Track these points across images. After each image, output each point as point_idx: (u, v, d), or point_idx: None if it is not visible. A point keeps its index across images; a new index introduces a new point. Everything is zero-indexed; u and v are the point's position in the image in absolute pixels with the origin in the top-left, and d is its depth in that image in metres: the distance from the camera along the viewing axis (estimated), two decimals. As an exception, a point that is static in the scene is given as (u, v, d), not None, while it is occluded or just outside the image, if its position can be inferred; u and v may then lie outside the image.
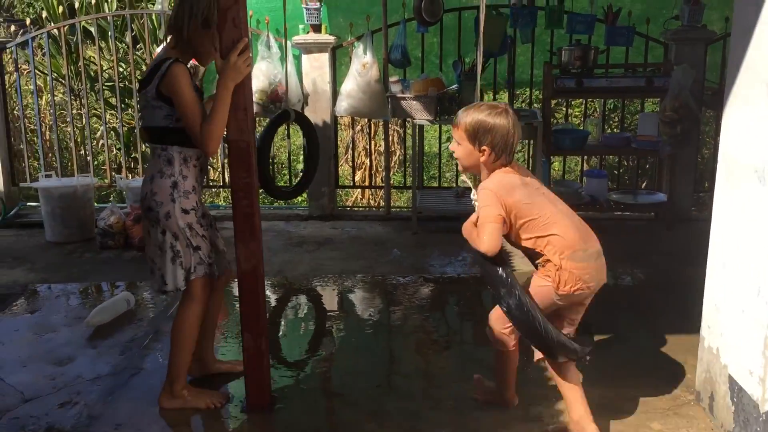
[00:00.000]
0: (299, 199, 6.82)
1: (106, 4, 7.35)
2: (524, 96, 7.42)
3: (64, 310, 3.98)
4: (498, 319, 2.68)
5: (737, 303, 2.54)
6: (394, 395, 3.06)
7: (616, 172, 8.21)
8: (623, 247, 5.03)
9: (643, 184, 7.28)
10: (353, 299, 4.30)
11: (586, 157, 6.90)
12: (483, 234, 2.43)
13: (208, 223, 2.89)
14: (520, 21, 5.61)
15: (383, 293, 4.36)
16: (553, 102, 6.79)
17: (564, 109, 7.90)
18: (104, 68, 7.07)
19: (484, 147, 2.50)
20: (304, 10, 5.66)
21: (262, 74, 5.64)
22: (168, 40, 2.78)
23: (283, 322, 3.98)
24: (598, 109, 8.39)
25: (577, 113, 9.06)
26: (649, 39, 5.62)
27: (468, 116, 2.52)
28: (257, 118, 6.42)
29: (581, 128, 6.09)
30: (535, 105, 7.12)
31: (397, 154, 8.96)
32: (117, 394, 3.02)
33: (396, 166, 8.91)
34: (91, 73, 7.17)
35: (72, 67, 6.91)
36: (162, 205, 2.71)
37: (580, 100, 7.82)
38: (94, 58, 7.56)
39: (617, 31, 5.47)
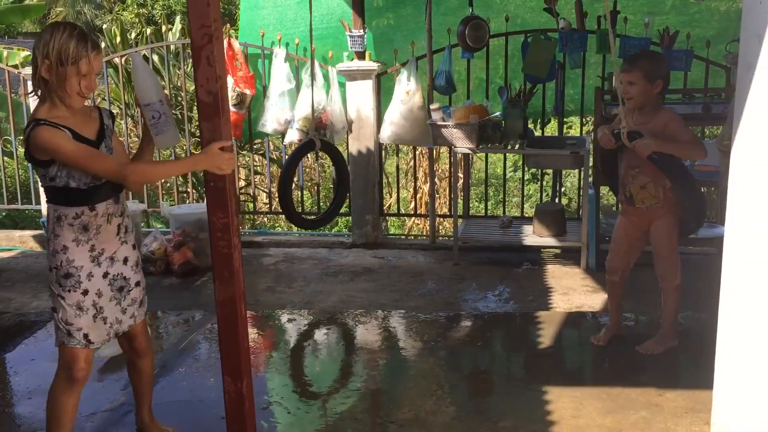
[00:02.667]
0: (339, 226, 6.78)
1: (170, 33, 7.58)
2: (574, 123, 7.12)
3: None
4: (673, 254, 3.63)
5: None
6: (387, 446, 2.91)
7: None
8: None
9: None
10: (369, 336, 4.17)
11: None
12: (699, 145, 3.45)
13: (74, 285, 2.60)
14: (570, 45, 5.37)
15: (403, 330, 4.21)
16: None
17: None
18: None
19: (658, 80, 3.39)
20: (348, 37, 5.63)
21: (307, 102, 5.64)
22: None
23: (287, 360, 3.90)
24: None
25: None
26: (709, 63, 5.26)
27: (643, 59, 3.45)
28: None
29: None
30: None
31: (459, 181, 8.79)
32: None
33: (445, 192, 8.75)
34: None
35: (132, 95, 7.15)
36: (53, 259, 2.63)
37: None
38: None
39: (674, 54, 5.14)
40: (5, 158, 6.56)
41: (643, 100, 3.45)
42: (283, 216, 9.07)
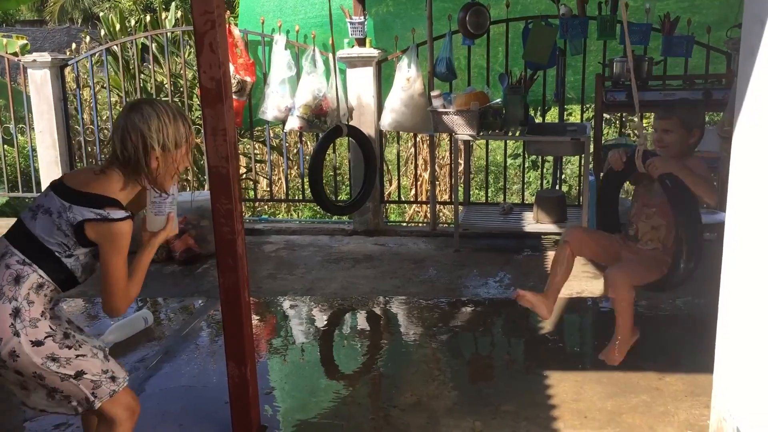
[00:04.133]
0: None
1: (166, 21, 7.56)
2: (574, 110, 7.11)
3: (87, 326, 4.06)
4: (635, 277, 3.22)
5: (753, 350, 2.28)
6: (389, 430, 2.93)
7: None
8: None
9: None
10: (371, 322, 4.20)
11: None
12: (714, 190, 3.07)
13: (77, 342, 2.28)
14: (571, 32, 5.35)
15: (405, 316, 4.23)
16: (608, 116, 6.47)
17: (617, 123, 7.53)
18: (164, 83, 7.27)
19: (696, 130, 3.24)
20: (349, 24, 5.62)
21: (307, 89, 5.64)
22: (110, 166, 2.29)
23: (289, 346, 3.92)
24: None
25: (645, 125, 8.62)
26: (710, 49, 5.25)
27: (682, 107, 3.28)
28: (300, 132, 6.43)
29: (637, 143, 5.75)
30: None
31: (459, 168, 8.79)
32: (111, 416, 3.03)
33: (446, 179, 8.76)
34: (149, 88, 7.39)
35: (131, 83, 7.15)
36: (3, 345, 2.12)
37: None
38: (157, 73, 7.79)
39: (675, 40, 5.13)
40: (5, 146, 6.55)
41: (679, 149, 3.23)
42: (284, 204, 9.14)
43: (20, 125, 6.38)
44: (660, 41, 5.18)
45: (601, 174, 3.48)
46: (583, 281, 4.63)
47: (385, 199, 6.73)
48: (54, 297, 2.29)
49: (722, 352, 2.56)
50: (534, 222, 5.39)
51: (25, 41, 7.05)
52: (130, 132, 2.23)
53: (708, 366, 2.76)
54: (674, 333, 3.79)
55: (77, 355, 2.24)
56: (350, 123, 5.75)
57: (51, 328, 2.22)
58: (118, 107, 7.35)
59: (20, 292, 2.17)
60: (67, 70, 6.16)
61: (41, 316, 2.20)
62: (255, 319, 4.16)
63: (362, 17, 5.61)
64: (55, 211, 2.21)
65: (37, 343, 2.16)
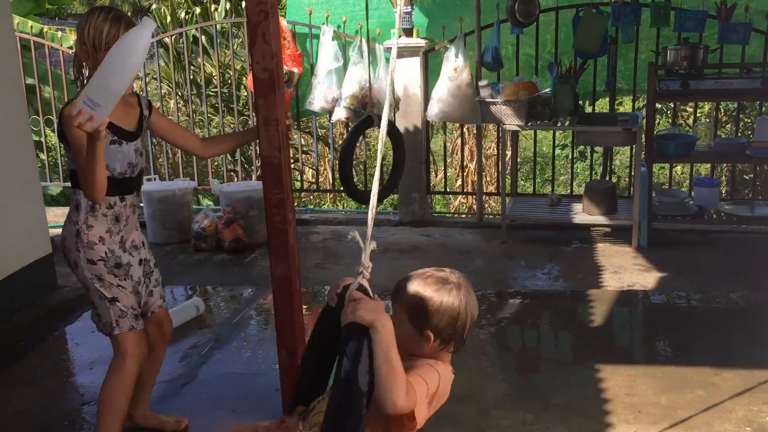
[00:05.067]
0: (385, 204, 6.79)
1: (216, 13, 7.64)
2: (624, 100, 6.97)
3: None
4: None
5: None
6: (442, 422, 2.92)
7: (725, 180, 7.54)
8: (731, 264, 4.60)
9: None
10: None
11: (698, 166, 6.38)
12: (411, 394, 1.67)
13: (126, 273, 2.58)
14: (622, 19, 5.25)
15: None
16: (660, 105, 6.32)
17: (669, 113, 7.36)
18: (213, 75, 7.36)
19: (428, 332, 1.82)
20: (396, 14, 5.59)
21: (354, 80, 5.64)
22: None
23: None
24: (711, 113, 7.76)
25: (699, 116, 8.41)
26: (769, 36, 5.09)
27: (410, 288, 1.87)
28: (347, 123, 6.44)
29: (690, 133, 5.63)
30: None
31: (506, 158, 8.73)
32: (166, 402, 3.10)
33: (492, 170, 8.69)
34: (199, 80, 7.50)
35: (181, 74, 7.25)
36: (70, 252, 2.54)
37: (692, 103, 7.23)
38: (206, 65, 7.89)
39: (732, 27, 4.99)
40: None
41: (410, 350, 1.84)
42: (330, 195, 9.18)
43: (74, 117, 6.52)
44: (716, 28, 5.05)
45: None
46: (634, 274, 4.55)
47: (431, 190, 6.69)
48: (119, 214, 2.54)
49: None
50: (583, 213, 5.31)
51: (79, 35, 7.20)
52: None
53: (766, 361, 2.70)
54: (729, 327, 3.70)
55: (118, 285, 2.55)
56: (396, 114, 5.74)
57: (106, 254, 2.53)
58: (167, 98, 7.47)
59: (80, 218, 2.51)
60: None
61: (99, 240, 2.52)
62: (303, 309, 4.19)
63: (410, 7, 5.59)
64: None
65: (91, 262, 2.52)
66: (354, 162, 8.95)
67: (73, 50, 2.68)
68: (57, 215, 6.33)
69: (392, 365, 1.63)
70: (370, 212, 1.84)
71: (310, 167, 9.06)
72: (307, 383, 2.02)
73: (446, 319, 1.81)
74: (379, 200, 5.48)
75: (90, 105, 2.07)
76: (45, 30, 7.13)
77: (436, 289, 1.84)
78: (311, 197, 9.04)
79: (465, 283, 1.90)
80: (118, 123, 2.48)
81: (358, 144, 6.83)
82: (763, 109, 5.66)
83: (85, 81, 2.46)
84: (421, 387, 1.74)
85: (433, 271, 1.92)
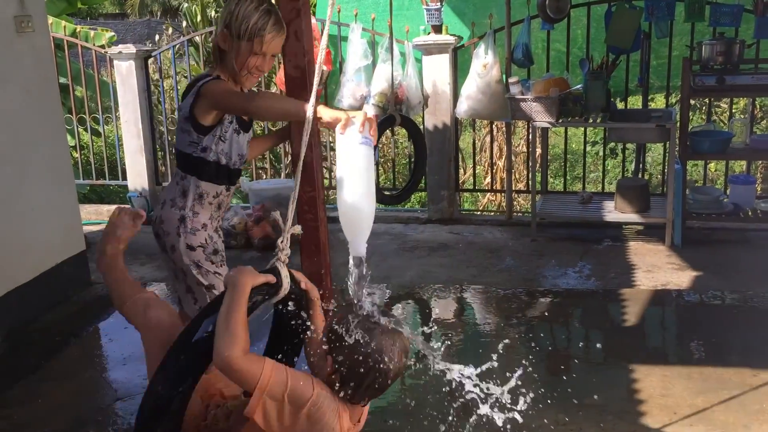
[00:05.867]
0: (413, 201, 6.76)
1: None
2: (657, 97, 6.87)
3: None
4: None
5: None
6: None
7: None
8: (767, 263, 4.52)
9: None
10: (448, 311, 4.17)
11: (733, 163, 6.27)
12: (251, 359, 1.73)
13: (221, 260, 2.62)
14: (656, 13, 5.18)
15: (482, 305, 4.19)
16: (694, 102, 6.22)
17: (704, 109, 7.24)
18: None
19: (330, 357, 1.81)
20: (425, 10, 5.57)
21: (383, 77, 5.63)
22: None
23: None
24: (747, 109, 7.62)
25: (735, 112, 8.26)
26: (807, 29, 4.97)
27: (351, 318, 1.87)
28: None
29: (725, 129, 5.53)
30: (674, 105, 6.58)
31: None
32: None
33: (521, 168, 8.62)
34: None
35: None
36: (168, 236, 2.52)
37: (727, 99, 7.11)
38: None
39: (768, 21, 4.89)
40: (92, 136, 6.80)
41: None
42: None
43: (106, 115, 6.60)
44: (752, 23, 4.95)
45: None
46: (668, 273, 4.48)
47: (460, 187, 6.66)
48: (222, 203, 2.57)
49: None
50: (615, 211, 5.25)
51: (112, 33, 7.28)
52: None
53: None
54: (765, 327, 3.62)
55: (215, 272, 2.54)
56: (426, 111, 5.72)
57: (206, 241, 2.53)
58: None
59: (187, 204, 2.51)
60: (150, 61, 6.35)
61: (202, 227, 2.53)
62: (333, 306, 4.20)
63: (438, 3, 5.55)
64: (178, 120, 2.48)
65: (190, 248, 2.51)
66: (381, 160, 8.97)
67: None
68: (90, 213, 6.42)
69: (228, 319, 1.74)
70: (294, 192, 2.02)
71: (338, 165, 9.07)
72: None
73: (354, 360, 1.77)
74: (405, 198, 5.49)
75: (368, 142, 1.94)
76: (78, 30, 7.23)
77: (367, 329, 1.82)
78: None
79: (402, 345, 1.86)
80: None
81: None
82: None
83: (220, 63, 2.45)
84: (270, 365, 1.73)
85: (386, 323, 1.88)
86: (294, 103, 2.27)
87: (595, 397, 3.01)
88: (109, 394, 3.22)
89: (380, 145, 7.16)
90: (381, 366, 1.78)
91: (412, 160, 5.74)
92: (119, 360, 3.55)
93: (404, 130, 5.82)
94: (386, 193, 5.75)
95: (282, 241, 1.95)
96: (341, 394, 1.81)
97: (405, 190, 5.01)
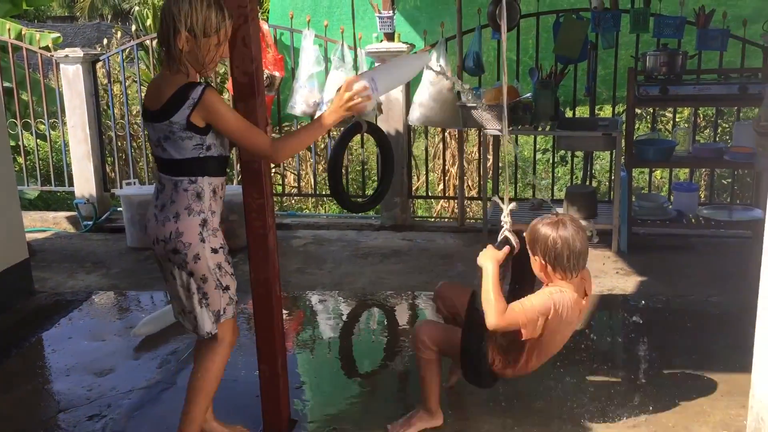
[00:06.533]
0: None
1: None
2: (605, 106, 7.02)
3: (119, 319, 4.11)
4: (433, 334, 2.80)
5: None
6: (419, 426, 2.92)
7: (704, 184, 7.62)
8: (710, 268, 4.64)
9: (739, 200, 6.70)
10: (400, 318, 4.19)
11: (677, 171, 6.44)
12: (508, 315, 2.48)
13: (231, 259, 2.64)
14: (603, 25, 5.30)
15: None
16: (640, 111, 6.37)
17: (649, 118, 7.42)
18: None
19: (536, 257, 2.58)
20: (377, 18, 5.60)
21: (335, 84, 5.63)
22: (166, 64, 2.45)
23: (318, 341, 3.92)
24: (690, 118, 7.84)
25: (678, 121, 8.50)
26: (745, 42, 5.15)
27: (530, 227, 2.62)
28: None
29: (669, 138, 5.68)
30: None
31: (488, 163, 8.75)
32: (144, 409, 3.07)
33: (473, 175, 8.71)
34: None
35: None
36: (190, 247, 2.45)
37: (671, 108, 7.31)
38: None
39: (710, 34, 5.04)
40: (38, 141, 6.64)
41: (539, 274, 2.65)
42: (311, 199, 9.16)
43: (52, 120, 6.46)
44: (694, 34, 5.10)
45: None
46: (614, 278, 4.57)
47: (413, 194, 6.70)
48: (223, 196, 2.60)
49: (761, 351, 2.51)
50: (564, 218, 5.33)
51: (57, 34, 7.12)
52: (165, 15, 2.38)
53: (743, 365, 2.71)
54: (708, 331, 3.73)
55: (231, 273, 2.61)
56: (378, 118, 5.73)
57: (223, 241, 2.57)
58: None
59: (204, 205, 2.49)
60: (99, 65, 6.23)
61: (218, 227, 2.55)
62: (284, 314, 4.17)
63: (391, 12, 5.59)
64: (168, 132, 2.42)
65: (214, 251, 2.52)
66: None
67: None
68: (34, 219, 6.27)
69: (487, 295, 2.47)
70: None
71: (291, 171, 9.03)
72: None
73: (545, 246, 2.51)
74: (374, 205, 5.51)
75: (373, 86, 2.46)
76: (23, 32, 7.05)
77: (542, 224, 2.55)
78: (293, 201, 9.01)
79: (572, 224, 2.54)
80: None
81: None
82: (741, 114, 5.73)
83: (178, 64, 2.42)
84: (518, 310, 2.49)
85: (552, 215, 2.59)
86: (310, 133, 2.59)
87: (542, 400, 3.06)
88: (51, 406, 3.13)
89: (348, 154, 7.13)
90: (569, 242, 2.49)
91: (369, 167, 5.74)
92: (62, 371, 3.46)
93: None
94: (356, 200, 5.75)
95: (505, 216, 2.60)
96: (559, 278, 2.55)
97: (374, 197, 5.02)
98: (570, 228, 2.51)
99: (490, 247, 2.60)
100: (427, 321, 3.51)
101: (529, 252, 2.59)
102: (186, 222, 2.45)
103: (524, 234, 2.62)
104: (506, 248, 2.59)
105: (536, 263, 2.58)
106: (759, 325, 2.50)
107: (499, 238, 2.62)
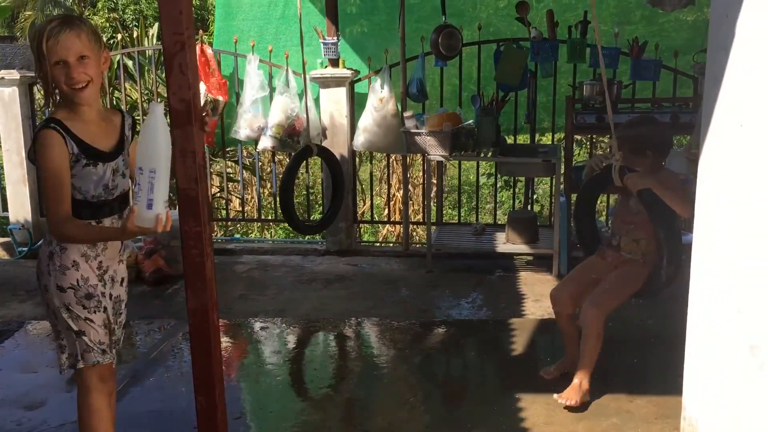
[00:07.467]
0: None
1: (146, 38, 7.51)
2: (546, 132, 7.19)
3: (52, 350, 3.97)
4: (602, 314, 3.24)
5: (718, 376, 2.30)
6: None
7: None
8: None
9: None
10: (343, 344, 4.18)
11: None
12: (689, 204, 2.88)
13: (97, 305, 2.44)
14: (541, 54, 5.42)
15: (377, 338, 4.21)
16: (579, 138, 6.53)
17: (587, 144, 7.63)
18: (137, 101, 7.22)
19: (647, 152, 3.26)
20: (322, 44, 5.63)
21: (280, 109, 5.63)
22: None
23: (260, 369, 3.87)
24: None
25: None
26: (677, 72, 5.35)
27: (623, 135, 3.31)
28: (273, 152, 6.41)
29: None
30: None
31: (432, 188, 8.83)
32: (77, 443, 2.96)
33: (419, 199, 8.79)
34: (124, 107, 7.34)
35: (104, 100, 7.07)
36: (41, 276, 2.41)
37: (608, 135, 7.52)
38: (130, 91, 7.73)
39: (643, 64, 5.22)
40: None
41: (643, 170, 3.24)
42: (257, 224, 9.09)
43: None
44: (629, 65, 5.27)
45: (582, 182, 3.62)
46: (555, 302, 4.64)
47: (358, 219, 6.70)
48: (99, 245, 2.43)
49: (690, 373, 2.58)
50: (506, 242, 5.41)
51: (-6, 58, 6.94)
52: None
53: (678, 388, 2.78)
54: (644, 354, 3.81)
55: (86, 318, 2.41)
56: (323, 143, 5.74)
57: (77, 282, 2.40)
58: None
59: (54, 239, 2.40)
60: (36, 87, 6.09)
61: (72, 266, 2.39)
62: (226, 341, 4.11)
63: (335, 38, 5.63)
64: None
65: (60, 289, 2.39)
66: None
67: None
68: (-34, 246, 6.05)
69: (667, 193, 3.07)
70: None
71: (236, 196, 8.95)
72: (588, 235, 3.63)
73: (646, 139, 3.27)
74: (324, 228, 5.49)
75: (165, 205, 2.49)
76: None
77: (631, 126, 3.43)
78: (238, 226, 8.92)
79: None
80: (93, 143, 2.39)
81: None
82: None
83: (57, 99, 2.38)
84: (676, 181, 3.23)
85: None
86: (102, 237, 2.45)
87: (483, 427, 3.08)
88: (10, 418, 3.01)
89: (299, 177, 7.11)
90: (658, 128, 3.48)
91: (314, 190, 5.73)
92: (-11, 404, 3.34)
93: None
94: (306, 223, 5.74)
95: (609, 149, 3.36)
96: (660, 160, 3.33)
97: (324, 220, 5.03)
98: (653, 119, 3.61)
99: (632, 174, 3.17)
100: (592, 302, 3.33)
101: (640, 158, 3.24)
102: (42, 249, 2.45)
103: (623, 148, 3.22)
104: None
105: (646, 160, 3.23)
106: (688, 349, 2.57)
107: (617, 167, 3.19)
